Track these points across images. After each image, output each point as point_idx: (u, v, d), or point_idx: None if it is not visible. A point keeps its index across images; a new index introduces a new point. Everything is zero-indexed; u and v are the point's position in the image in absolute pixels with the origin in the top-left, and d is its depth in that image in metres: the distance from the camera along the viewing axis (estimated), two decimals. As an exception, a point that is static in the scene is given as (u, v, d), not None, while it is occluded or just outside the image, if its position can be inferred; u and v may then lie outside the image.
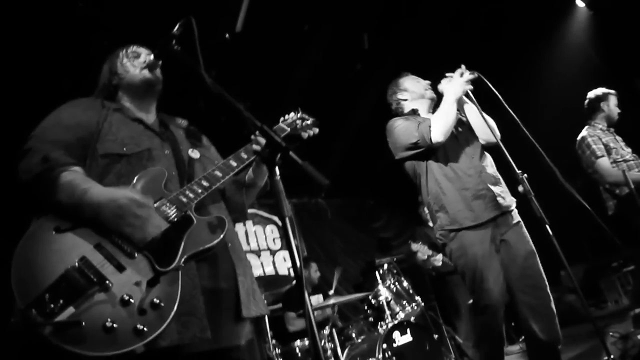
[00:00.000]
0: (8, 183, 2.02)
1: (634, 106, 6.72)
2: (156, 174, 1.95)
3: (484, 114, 3.29)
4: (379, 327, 4.73)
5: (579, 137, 5.00)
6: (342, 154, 8.26)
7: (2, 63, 4.43)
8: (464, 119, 3.53)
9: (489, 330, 3.09)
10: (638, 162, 4.78)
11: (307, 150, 2.35)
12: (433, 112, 3.48)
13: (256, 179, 2.34)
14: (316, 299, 6.05)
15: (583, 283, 7.15)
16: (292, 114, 2.48)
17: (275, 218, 8.03)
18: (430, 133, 3.20)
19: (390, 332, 4.36)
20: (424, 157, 3.37)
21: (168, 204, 1.87)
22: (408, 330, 4.47)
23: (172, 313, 1.65)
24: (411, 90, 3.64)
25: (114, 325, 1.54)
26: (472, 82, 3.29)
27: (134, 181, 1.89)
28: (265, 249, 7.91)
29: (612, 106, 5.06)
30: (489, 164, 3.40)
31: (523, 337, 5.60)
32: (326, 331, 4.82)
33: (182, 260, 1.77)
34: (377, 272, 5.35)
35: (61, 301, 1.51)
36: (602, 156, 4.73)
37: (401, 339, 4.39)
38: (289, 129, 2.38)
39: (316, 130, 2.46)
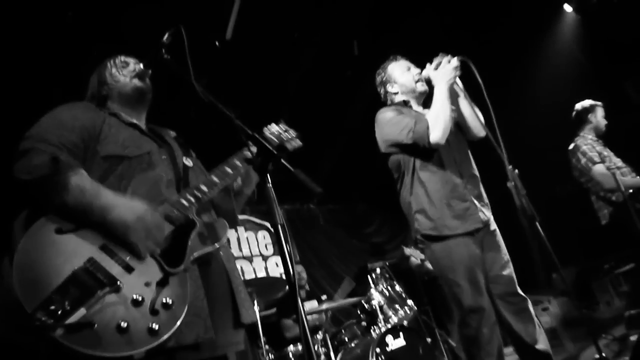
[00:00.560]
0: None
1: (622, 110, 6.80)
2: (157, 178, 1.98)
3: (474, 105, 3.23)
4: (372, 331, 4.72)
5: (571, 147, 5.06)
6: (333, 160, 8.26)
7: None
8: (454, 114, 3.35)
9: (482, 334, 2.98)
10: (630, 170, 4.84)
11: (298, 157, 2.38)
12: (424, 106, 3.41)
13: (245, 187, 2.39)
14: (310, 305, 6.04)
15: (575, 285, 7.18)
16: (273, 125, 2.51)
17: (267, 224, 8.01)
18: (429, 136, 3.05)
19: (383, 336, 4.36)
20: (413, 154, 3.23)
21: (171, 208, 1.89)
22: (401, 334, 4.47)
23: (184, 312, 1.68)
24: (400, 83, 3.46)
25: (128, 325, 1.54)
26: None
27: (135, 185, 1.90)
28: (257, 254, 7.88)
29: (599, 117, 5.14)
30: (474, 170, 3.34)
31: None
32: (319, 336, 4.82)
33: (189, 261, 1.80)
34: (369, 277, 5.36)
35: (71, 303, 1.49)
36: (599, 162, 4.78)
37: (394, 343, 4.38)
38: (277, 140, 2.41)
39: (299, 142, 2.50)
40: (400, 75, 3.49)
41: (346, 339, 4.94)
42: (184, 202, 1.93)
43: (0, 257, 1.62)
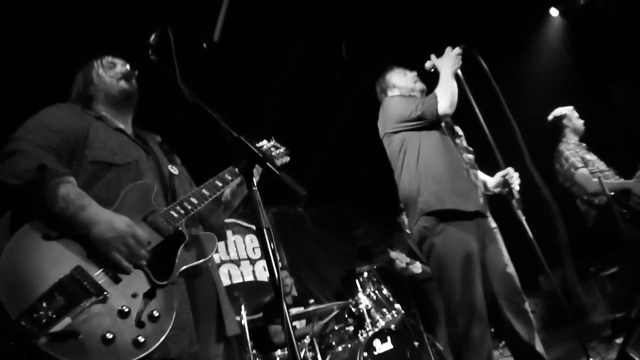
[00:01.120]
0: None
1: (608, 113, 6.87)
2: (146, 188, 1.95)
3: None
4: (359, 335, 4.72)
5: (555, 152, 5.10)
6: (321, 162, 8.25)
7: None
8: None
9: (471, 335, 2.93)
10: (613, 173, 4.89)
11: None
12: None
13: (233, 199, 2.39)
14: (296, 311, 6.02)
15: (561, 288, 7.23)
16: (265, 141, 2.55)
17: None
18: (437, 104, 3.15)
19: (370, 340, 4.36)
20: (420, 127, 3.26)
21: (160, 219, 1.86)
22: (388, 338, 4.48)
23: (170, 325, 1.65)
24: (400, 86, 3.57)
25: (114, 336, 1.52)
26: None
27: (125, 194, 1.87)
28: (245, 258, 7.86)
29: (574, 119, 5.20)
30: (474, 162, 3.39)
31: (503, 342, 5.66)
32: (307, 340, 4.80)
33: (177, 274, 1.78)
34: (357, 280, 5.35)
35: (56, 311, 1.46)
36: (582, 167, 4.82)
37: (382, 346, 4.39)
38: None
39: (288, 159, 2.54)
40: (399, 80, 3.61)
41: (333, 343, 4.93)
42: (174, 213, 1.90)
43: None
